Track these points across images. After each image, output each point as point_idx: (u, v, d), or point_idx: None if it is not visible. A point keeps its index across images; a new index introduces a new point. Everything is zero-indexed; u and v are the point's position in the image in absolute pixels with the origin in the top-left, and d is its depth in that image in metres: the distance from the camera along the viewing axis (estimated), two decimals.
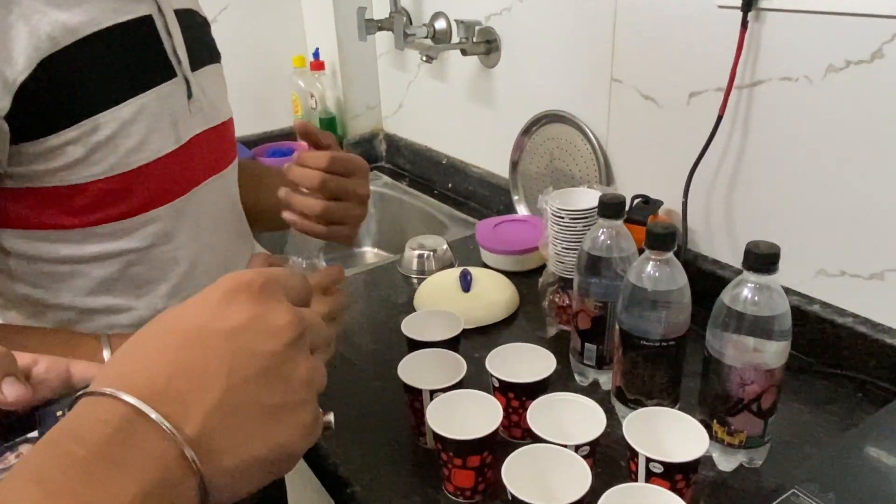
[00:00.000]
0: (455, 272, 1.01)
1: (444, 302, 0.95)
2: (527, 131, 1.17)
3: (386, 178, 1.56)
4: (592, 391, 0.79)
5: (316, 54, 1.54)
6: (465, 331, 0.89)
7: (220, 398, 0.28)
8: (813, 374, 0.80)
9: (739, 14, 0.78)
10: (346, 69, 1.55)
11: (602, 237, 0.74)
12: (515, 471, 0.57)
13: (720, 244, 0.91)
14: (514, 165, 1.22)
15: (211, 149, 0.67)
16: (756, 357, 0.61)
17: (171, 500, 0.26)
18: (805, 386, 0.79)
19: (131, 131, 0.57)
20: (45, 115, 0.53)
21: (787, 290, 0.84)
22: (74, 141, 0.54)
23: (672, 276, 0.66)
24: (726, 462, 0.66)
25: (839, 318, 0.79)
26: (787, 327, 0.61)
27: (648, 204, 0.93)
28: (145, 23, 0.60)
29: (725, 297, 0.62)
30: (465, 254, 1.14)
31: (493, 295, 0.97)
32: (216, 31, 1.59)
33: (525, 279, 1.03)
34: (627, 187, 1.01)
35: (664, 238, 0.64)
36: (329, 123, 1.57)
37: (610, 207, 0.72)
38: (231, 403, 0.28)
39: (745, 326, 0.61)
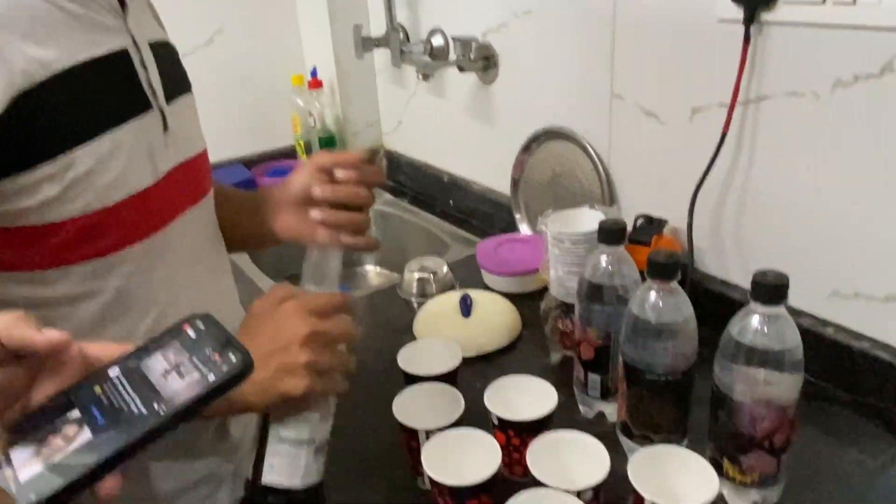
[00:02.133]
0: (455, 296, 0.98)
1: (443, 328, 0.92)
2: (527, 148, 1.14)
3: (387, 196, 1.54)
4: (598, 423, 0.76)
5: (314, 73, 1.52)
6: (466, 358, 0.86)
7: None
8: (829, 401, 0.77)
9: (742, 28, 0.75)
10: (344, 87, 1.54)
11: (603, 264, 0.71)
12: None
13: (729, 264, 0.88)
14: (516, 183, 1.19)
15: (187, 181, 0.65)
16: (767, 392, 0.58)
17: None
18: (821, 413, 0.75)
19: (109, 166, 0.55)
20: (21, 150, 0.51)
21: (800, 313, 0.81)
22: (51, 178, 0.52)
23: (676, 306, 0.63)
24: (738, 501, 0.63)
25: (855, 343, 0.76)
26: (798, 359, 0.58)
27: (652, 223, 0.90)
28: (120, 56, 0.58)
29: (733, 329, 0.59)
30: (467, 275, 1.11)
31: (494, 320, 0.94)
32: (212, 53, 1.58)
33: (528, 301, 1.00)
34: (631, 206, 0.98)
35: (667, 267, 0.61)
36: (328, 141, 1.55)
37: (610, 234, 0.69)
38: None
39: (755, 359, 0.58)
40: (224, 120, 1.58)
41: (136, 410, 0.36)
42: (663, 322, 0.62)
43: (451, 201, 1.41)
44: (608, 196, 1.01)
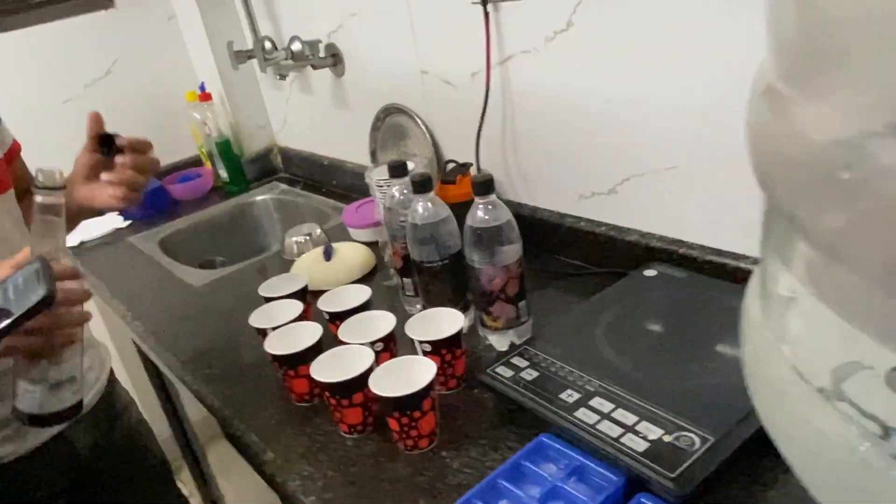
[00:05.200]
0: (321, 248, 1.21)
1: (311, 272, 1.15)
2: (375, 126, 1.39)
3: (283, 186, 1.77)
4: None
5: (202, 87, 1.74)
6: (328, 291, 1.09)
7: None
8: (587, 276, 1.03)
9: (482, 7, 1.01)
10: (231, 96, 1.76)
11: (396, 195, 0.95)
12: (324, 366, 0.78)
13: (518, 189, 1.13)
14: (374, 155, 1.43)
15: None
16: (494, 257, 0.83)
17: None
18: (580, 285, 1.01)
19: None
20: None
21: (564, 215, 1.07)
22: None
23: (436, 210, 0.87)
24: (499, 342, 0.88)
25: (597, 229, 1.02)
26: (514, 231, 0.83)
27: (458, 167, 1.15)
28: None
29: (468, 219, 0.83)
30: (339, 234, 1.35)
31: (350, 260, 1.18)
32: (113, 82, 1.79)
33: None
34: (451, 155, 1.23)
35: (422, 183, 0.86)
36: (226, 145, 1.76)
37: (395, 170, 0.94)
38: None
39: (485, 237, 0.82)
40: None
41: None
42: (427, 223, 0.87)
43: (333, 181, 1.65)
44: (434, 151, 1.26)
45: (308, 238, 1.32)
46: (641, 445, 0.61)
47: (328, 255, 1.18)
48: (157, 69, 1.79)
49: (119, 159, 0.85)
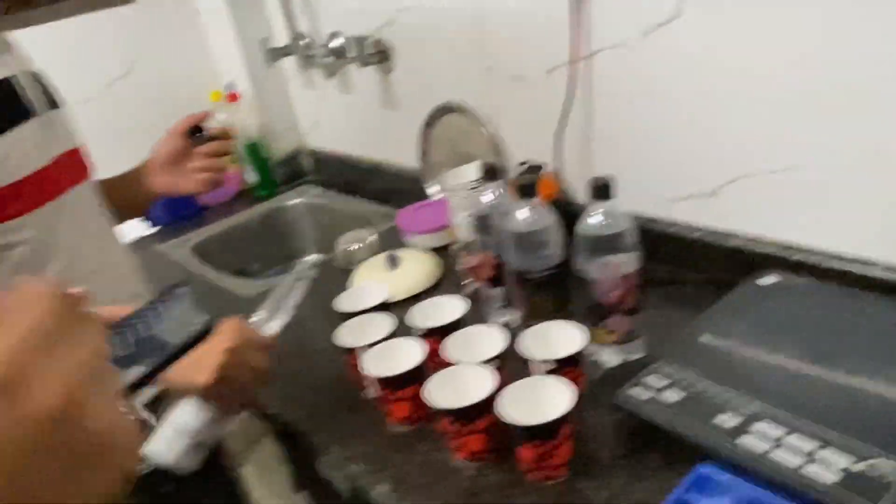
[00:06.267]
0: (382, 256, 1.14)
1: (375, 280, 1.08)
2: (429, 125, 1.32)
3: (316, 190, 1.69)
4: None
5: (229, 87, 1.65)
6: (398, 301, 1.02)
7: None
8: (682, 283, 0.97)
9: None
10: (260, 96, 1.67)
11: (490, 199, 0.88)
12: (436, 389, 0.71)
13: None
14: (424, 154, 1.36)
15: (66, 167, 0.82)
16: (612, 268, 0.77)
17: None
18: (677, 293, 0.95)
19: (10, 154, 0.73)
20: None
21: (653, 219, 1.01)
22: None
23: (539, 217, 0.81)
24: (612, 359, 0.81)
25: (693, 234, 0.96)
26: (632, 239, 0.77)
27: (532, 168, 1.09)
28: (8, 82, 0.77)
29: (580, 226, 0.77)
30: (391, 241, 1.27)
31: (417, 268, 1.11)
32: (132, 82, 1.70)
33: (445, 251, 1.17)
34: (515, 156, 1.17)
35: (527, 187, 0.80)
36: (253, 148, 1.68)
37: (490, 172, 0.87)
38: None
39: (600, 245, 0.76)
40: (152, 141, 1.70)
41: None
42: (532, 231, 0.81)
43: (371, 184, 1.57)
44: (498, 153, 1.19)
45: (362, 245, 1.24)
46: (830, 477, 0.55)
47: (393, 262, 1.11)
48: (179, 68, 1.70)
49: (204, 148, 0.97)
